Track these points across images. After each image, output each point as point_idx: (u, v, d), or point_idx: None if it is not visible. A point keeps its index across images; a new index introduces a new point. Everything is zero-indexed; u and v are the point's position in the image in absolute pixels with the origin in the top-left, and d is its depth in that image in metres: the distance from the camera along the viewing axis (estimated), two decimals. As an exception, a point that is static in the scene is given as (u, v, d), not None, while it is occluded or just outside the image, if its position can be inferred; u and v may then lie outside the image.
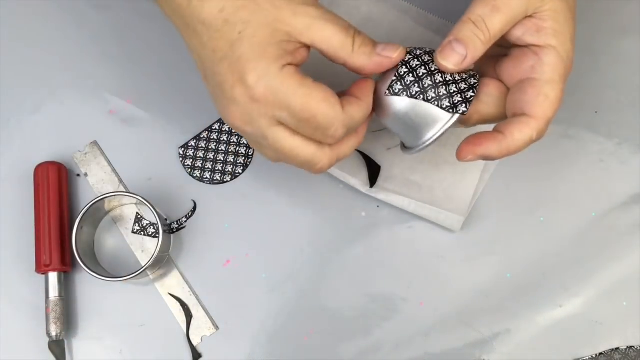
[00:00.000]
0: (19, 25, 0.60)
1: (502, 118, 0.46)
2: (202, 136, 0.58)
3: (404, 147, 0.48)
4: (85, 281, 0.55)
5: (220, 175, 0.57)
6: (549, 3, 0.43)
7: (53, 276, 0.53)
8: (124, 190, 0.56)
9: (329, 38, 0.42)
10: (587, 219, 0.56)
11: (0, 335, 0.54)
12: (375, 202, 0.56)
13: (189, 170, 0.57)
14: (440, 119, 0.44)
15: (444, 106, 0.44)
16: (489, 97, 0.45)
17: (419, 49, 0.45)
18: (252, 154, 0.57)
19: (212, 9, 0.41)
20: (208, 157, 0.57)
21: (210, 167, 0.57)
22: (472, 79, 0.45)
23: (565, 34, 0.44)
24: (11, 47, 0.59)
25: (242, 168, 0.57)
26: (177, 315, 0.54)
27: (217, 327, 0.54)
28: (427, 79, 0.44)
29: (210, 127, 0.58)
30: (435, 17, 0.58)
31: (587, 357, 0.54)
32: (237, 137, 0.57)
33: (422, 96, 0.44)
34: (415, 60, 0.44)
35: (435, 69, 0.44)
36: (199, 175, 0.57)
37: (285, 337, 0.54)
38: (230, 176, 0.57)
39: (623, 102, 0.58)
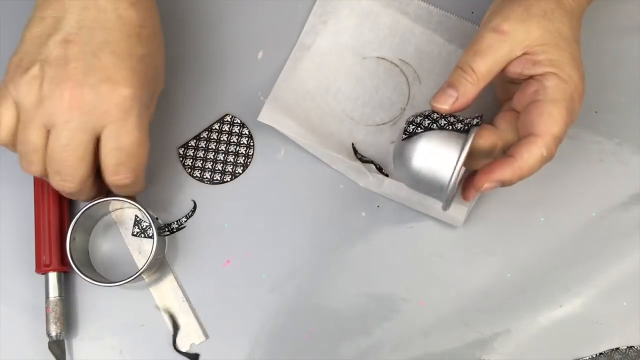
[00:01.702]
0: (19, 25, 0.60)
1: None
2: (202, 136, 0.58)
3: (442, 205, 0.49)
4: (85, 281, 0.55)
5: (220, 175, 0.57)
6: (537, 40, 0.46)
7: (53, 276, 0.53)
8: (113, 196, 0.53)
9: None
10: (587, 219, 0.56)
11: (0, 335, 0.54)
12: (375, 202, 0.56)
13: (189, 170, 0.57)
14: (448, 165, 0.46)
15: (457, 128, 0.46)
16: (507, 124, 0.49)
17: (419, 115, 0.48)
18: (252, 153, 0.57)
19: None
20: (208, 157, 0.57)
21: (210, 167, 0.57)
22: (475, 119, 0.47)
23: (563, 60, 0.46)
24: (11, 47, 0.59)
25: (242, 168, 0.57)
26: (167, 323, 0.54)
27: (207, 336, 0.54)
28: (434, 124, 0.47)
29: (210, 127, 0.58)
30: (436, 9, 0.59)
31: (587, 357, 0.54)
32: (237, 137, 0.57)
33: (435, 125, 0.46)
34: (419, 117, 0.47)
35: (438, 116, 0.47)
36: (199, 175, 0.57)
37: (285, 337, 0.54)
38: (230, 176, 0.57)
39: (623, 102, 0.58)
